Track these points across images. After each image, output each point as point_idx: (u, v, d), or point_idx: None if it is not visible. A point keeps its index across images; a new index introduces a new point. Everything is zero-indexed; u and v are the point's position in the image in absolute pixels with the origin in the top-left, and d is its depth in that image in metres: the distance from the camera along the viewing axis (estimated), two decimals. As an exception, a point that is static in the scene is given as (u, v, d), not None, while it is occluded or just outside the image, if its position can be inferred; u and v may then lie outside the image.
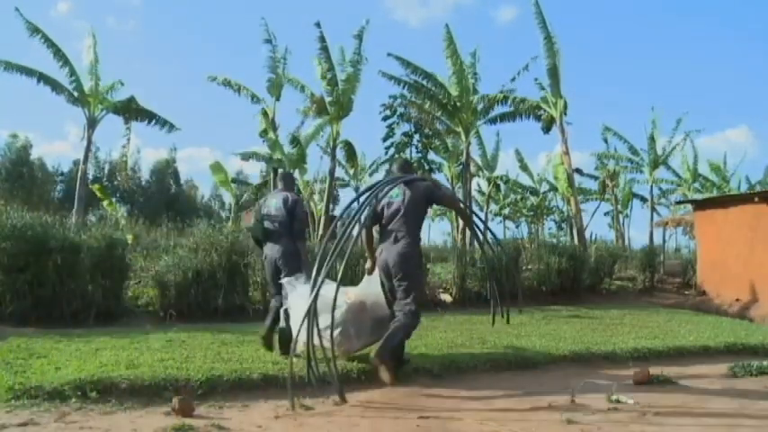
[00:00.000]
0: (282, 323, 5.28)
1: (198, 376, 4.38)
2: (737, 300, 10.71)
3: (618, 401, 4.37)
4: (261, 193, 21.42)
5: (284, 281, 5.30)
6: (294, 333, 4.70)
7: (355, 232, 5.04)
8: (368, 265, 5.42)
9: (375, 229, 5.38)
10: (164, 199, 43.20)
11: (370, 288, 5.23)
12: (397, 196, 5.05)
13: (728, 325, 8.68)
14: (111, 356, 5.09)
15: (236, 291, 8.58)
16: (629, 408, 4.25)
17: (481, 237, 5.72)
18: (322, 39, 13.88)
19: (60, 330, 6.66)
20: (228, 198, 28.14)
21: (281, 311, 5.28)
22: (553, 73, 14.07)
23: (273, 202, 5.70)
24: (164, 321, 7.84)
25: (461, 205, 6.02)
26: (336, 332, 4.82)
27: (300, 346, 4.57)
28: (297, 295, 5.08)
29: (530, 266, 11.72)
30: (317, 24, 13.87)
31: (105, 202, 13.59)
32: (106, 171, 42.77)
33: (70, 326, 7.09)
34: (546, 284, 11.26)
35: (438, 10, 69.52)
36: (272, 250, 5.62)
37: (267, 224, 5.63)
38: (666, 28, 67.69)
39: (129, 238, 9.74)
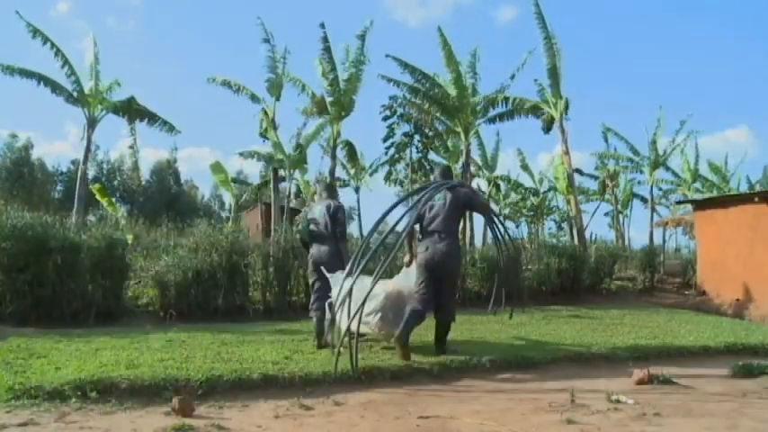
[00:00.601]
0: (328, 315, 5.74)
1: (198, 376, 4.38)
2: (737, 300, 10.71)
3: (618, 401, 4.37)
4: (261, 192, 21.42)
5: (329, 276, 5.82)
6: (338, 323, 5.42)
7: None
8: (406, 259, 6.16)
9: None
10: (164, 199, 43.21)
11: (407, 279, 5.86)
12: (439, 199, 5.70)
13: (728, 325, 8.68)
14: (111, 356, 5.10)
15: (236, 291, 8.58)
16: (629, 408, 4.25)
17: (501, 242, 6.30)
18: (325, 39, 13.88)
19: (60, 330, 6.66)
20: (228, 198, 28.11)
21: (326, 304, 5.80)
22: (553, 73, 14.05)
23: (318, 209, 6.34)
24: (164, 321, 7.84)
25: (492, 214, 6.63)
26: (377, 317, 5.52)
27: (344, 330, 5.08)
28: (337, 290, 5.49)
29: (530, 266, 11.72)
30: (322, 25, 13.89)
31: (105, 202, 13.59)
32: (105, 170, 42.78)
33: (70, 326, 7.09)
34: (546, 284, 11.25)
35: (438, 10, 69.62)
36: (317, 251, 6.22)
37: (313, 227, 6.27)
38: (666, 28, 67.80)
39: (129, 238, 9.73)
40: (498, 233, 6.25)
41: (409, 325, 5.41)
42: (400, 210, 5.88)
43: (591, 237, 16.57)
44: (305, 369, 4.77)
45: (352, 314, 5.00)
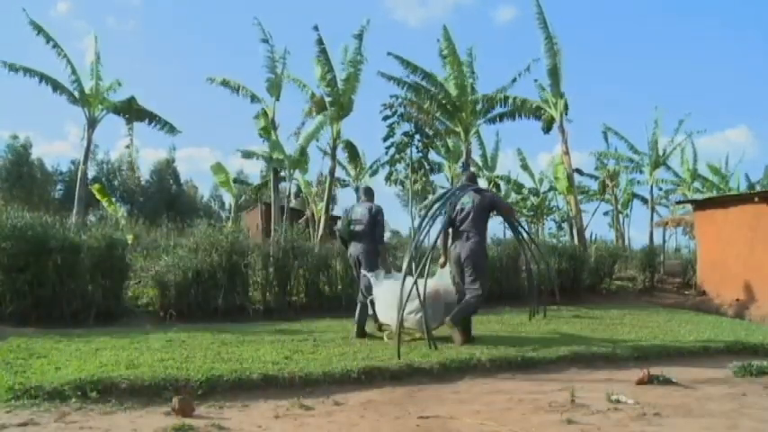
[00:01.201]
0: (370, 310, 6.61)
1: (198, 376, 4.38)
2: (737, 300, 10.70)
3: (618, 401, 4.37)
4: (261, 192, 21.43)
5: (368, 274, 6.56)
6: (381, 318, 6.47)
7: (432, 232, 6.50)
8: (441, 260, 6.69)
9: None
10: (164, 199, 43.25)
11: (443, 279, 6.54)
12: (467, 203, 6.34)
13: (728, 325, 8.67)
14: (111, 356, 5.10)
15: (236, 291, 8.59)
16: (629, 408, 4.25)
17: (527, 247, 7.10)
18: (320, 41, 13.86)
19: (60, 330, 6.66)
20: (228, 198, 28.14)
21: (368, 301, 6.59)
22: (553, 73, 14.00)
23: (359, 210, 6.93)
24: (164, 321, 7.85)
25: (514, 216, 7.30)
26: (418, 316, 6.08)
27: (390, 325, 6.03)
28: (381, 289, 6.41)
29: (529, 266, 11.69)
30: (315, 28, 13.86)
31: (105, 202, 13.59)
32: (105, 171, 42.81)
33: (70, 326, 7.10)
34: (546, 284, 11.23)
35: (437, 10, 69.66)
36: (355, 248, 6.87)
37: (353, 227, 6.87)
38: (667, 28, 67.80)
39: (129, 238, 9.75)
40: (522, 235, 6.93)
41: (468, 311, 6.24)
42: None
43: (591, 237, 16.56)
44: (305, 369, 4.77)
45: (393, 311, 5.80)
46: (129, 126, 15.23)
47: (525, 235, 7.12)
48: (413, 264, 6.03)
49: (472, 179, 6.95)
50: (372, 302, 6.53)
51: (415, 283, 5.84)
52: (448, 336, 6.31)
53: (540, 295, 7.24)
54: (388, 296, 6.08)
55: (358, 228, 6.83)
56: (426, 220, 6.36)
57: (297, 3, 69.47)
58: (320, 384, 4.63)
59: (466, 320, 6.34)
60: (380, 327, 6.88)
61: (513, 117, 15.22)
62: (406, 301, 5.76)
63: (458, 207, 6.36)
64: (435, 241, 6.66)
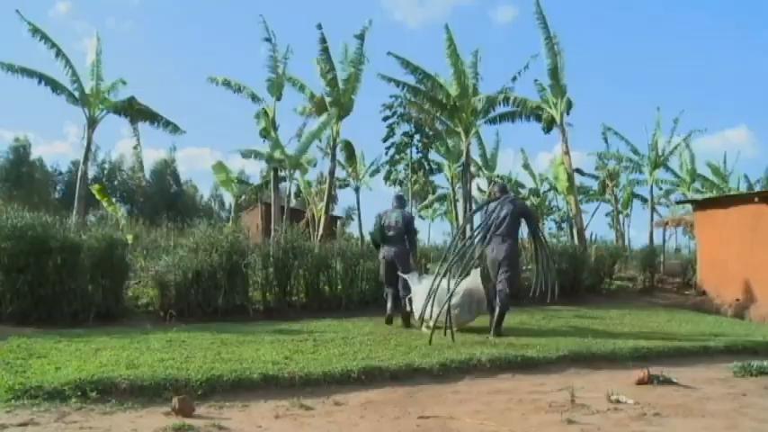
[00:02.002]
0: (408, 307, 7.41)
1: (198, 376, 4.38)
2: (737, 300, 10.70)
3: (618, 401, 4.37)
4: (261, 192, 21.38)
5: (406, 276, 7.41)
6: (417, 314, 7.11)
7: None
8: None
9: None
10: (164, 199, 43.28)
11: (476, 277, 7.32)
12: (502, 210, 7.10)
13: (728, 325, 8.68)
14: (111, 356, 5.10)
15: (236, 291, 8.58)
16: (629, 408, 4.25)
17: (541, 250, 7.63)
18: (323, 40, 13.84)
19: (60, 330, 6.66)
20: (228, 198, 28.16)
21: (405, 299, 7.43)
22: (554, 73, 13.98)
23: (393, 216, 7.71)
24: (164, 321, 7.84)
25: (538, 223, 8.13)
26: (458, 310, 6.97)
27: (428, 322, 6.74)
28: (420, 287, 7.14)
29: (529, 266, 11.69)
30: (319, 26, 13.84)
31: (105, 202, 13.57)
32: (105, 171, 42.84)
33: (70, 326, 7.09)
34: (546, 284, 11.21)
35: (437, 10, 69.66)
36: (388, 251, 7.63)
37: (387, 232, 7.63)
38: (667, 28, 67.81)
39: (129, 238, 9.73)
40: (541, 240, 7.56)
41: (503, 317, 6.96)
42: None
43: (591, 237, 16.54)
44: (305, 369, 4.77)
45: (438, 307, 6.51)
46: (134, 127, 15.18)
47: (542, 241, 7.66)
48: (452, 266, 6.71)
49: (504, 190, 7.61)
50: (410, 300, 7.33)
51: (451, 283, 6.59)
52: (475, 328, 7.08)
53: (542, 292, 7.52)
54: (423, 294, 6.76)
55: (392, 233, 7.58)
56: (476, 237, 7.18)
57: (296, 3, 69.56)
58: (320, 384, 4.63)
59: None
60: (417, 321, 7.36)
61: (513, 117, 15.19)
62: (448, 299, 6.47)
63: (494, 214, 7.12)
64: (475, 248, 7.29)
